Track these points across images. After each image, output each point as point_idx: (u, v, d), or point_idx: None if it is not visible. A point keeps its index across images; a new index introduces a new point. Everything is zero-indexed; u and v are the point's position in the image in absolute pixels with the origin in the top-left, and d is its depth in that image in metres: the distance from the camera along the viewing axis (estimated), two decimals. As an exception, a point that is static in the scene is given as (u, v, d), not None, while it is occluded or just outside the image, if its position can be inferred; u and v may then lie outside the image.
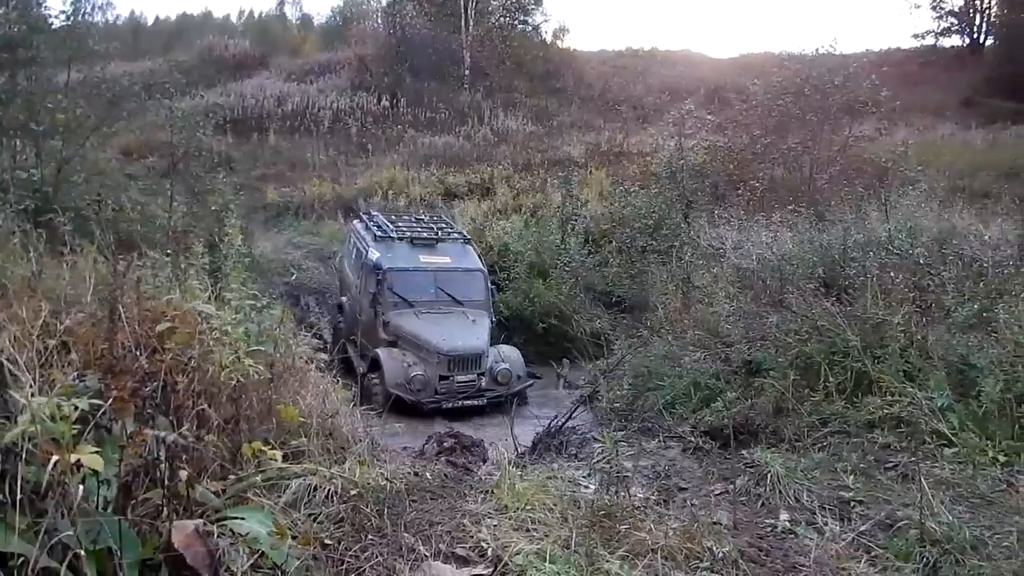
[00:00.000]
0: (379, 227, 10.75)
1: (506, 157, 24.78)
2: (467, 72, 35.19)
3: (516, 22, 40.92)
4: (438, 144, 27.37)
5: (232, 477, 3.34)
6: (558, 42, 43.44)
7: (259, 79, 35.19)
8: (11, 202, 7.41)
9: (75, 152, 10.71)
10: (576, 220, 15.25)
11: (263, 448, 3.53)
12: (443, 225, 11.79)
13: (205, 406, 3.33)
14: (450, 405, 9.04)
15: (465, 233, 11.53)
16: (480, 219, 18.58)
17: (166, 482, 2.83)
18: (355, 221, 12.13)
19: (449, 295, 10.16)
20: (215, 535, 2.85)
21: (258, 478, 3.43)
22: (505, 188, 21.07)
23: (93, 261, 4.25)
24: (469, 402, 9.22)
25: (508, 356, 9.85)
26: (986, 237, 8.41)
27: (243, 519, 2.99)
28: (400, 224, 11.42)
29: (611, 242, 14.44)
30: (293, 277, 16.69)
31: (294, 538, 3.15)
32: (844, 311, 7.35)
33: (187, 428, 3.16)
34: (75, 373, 3.03)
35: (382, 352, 9.31)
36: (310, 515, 3.48)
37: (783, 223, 11.03)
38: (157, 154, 18.60)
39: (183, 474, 2.87)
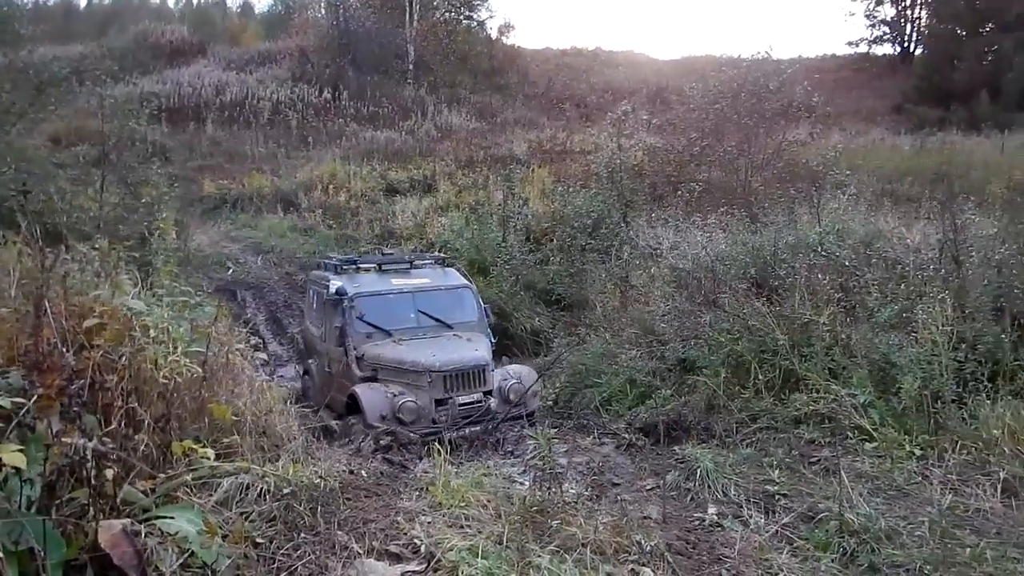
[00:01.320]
0: (339, 261, 9.18)
1: (449, 153, 24.77)
2: (411, 66, 35.07)
3: (461, 17, 41.00)
4: (380, 139, 27.24)
5: (162, 476, 3.32)
6: (503, 39, 43.75)
7: (197, 67, 34.54)
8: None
9: (-1, 139, 10.33)
10: (517, 218, 15.30)
11: (194, 447, 3.51)
12: (416, 253, 10.51)
13: (135, 404, 3.30)
14: (454, 435, 7.11)
15: (443, 256, 10.18)
16: (421, 215, 18.56)
17: (92, 481, 2.80)
18: (312, 271, 10.52)
19: (434, 318, 8.49)
20: (143, 535, 2.83)
21: (188, 477, 3.41)
22: (447, 184, 21.07)
23: (18, 253, 4.14)
24: (478, 429, 7.40)
25: (518, 372, 8.22)
26: (908, 241, 8.72)
27: (172, 518, 2.98)
28: (364, 256, 10.08)
29: (552, 240, 14.51)
30: (230, 272, 16.45)
31: (225, 537, 3.14)
32: (774, 311, 7.58)
33: (116, 427, 3.13)
34: (-2, 371, 2.98)
35: (359, 388, 7.64)
36: (242, 514, 3.46)
37: (718, 224, 11.26)
38: (87, 142, 18.13)
39: (110, 473, 2.84)
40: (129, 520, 2.80)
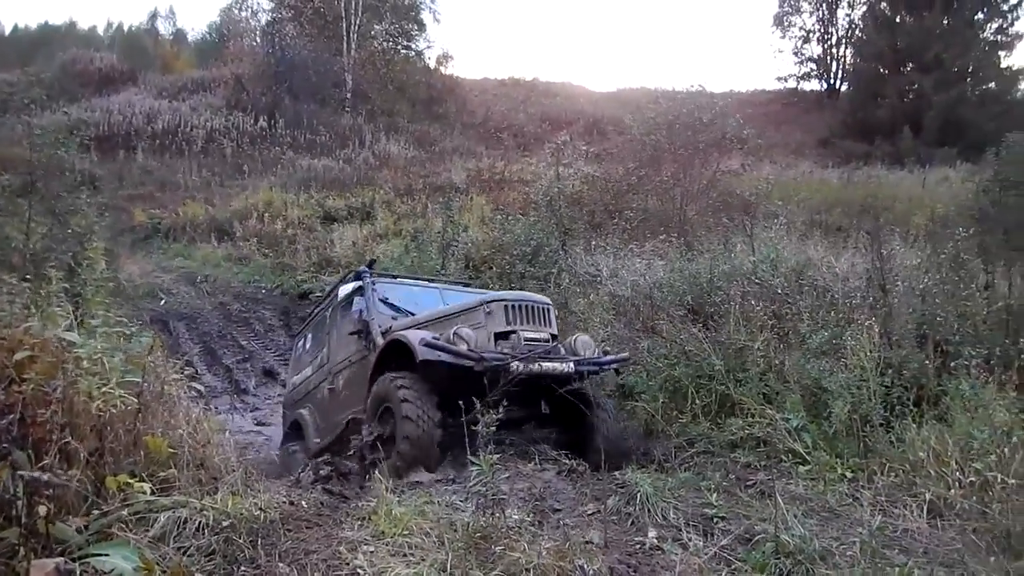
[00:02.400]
0: (352, 271, 8.34)
1: (387, 181, 24.69)
2: (348, 95, 34.96)
3: (399, 47, 41.06)
4: (318, 167, 27.02)
5: (96, 512, 3.23)
6: (441, 68, 43.91)
7: (127, 95, 33.86)
8: None
9: (-78, 167, 9.94)
10: (456, 245, 15.33)
11: (129, 481, 3.42)
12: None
13: (68, 438, 3.21)
14: (521, 366, 5.84)
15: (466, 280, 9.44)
16: (360, 243, 18.45)
17: (23, 519, 2.71)
18: (302, 327, 9.80)
19: None
20: (77, 573, 2.75)
21: (124, 512, 3.32)
22: (386, 212, 20.99)
23: (-57, 286, 4.02)
24: (552, 366, 6.07)
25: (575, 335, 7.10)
26: (837, 269, 9.02)
27: (107, 555, 2.89)
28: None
29: (491, 268, 14.56)
30: (163, 302, 16.08)
31: (163, 573, 3.07)
32: (710, 337, 7.74)
33: (48, 462, 3.05)
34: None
35: (394, 335, 6.41)
36: (180, 548, 3.39)
37: (655, 252, 11.48)
38: (13, 171, 17.63)
39: (43, 510, 2.76)
40: (62, 559, 2.72)
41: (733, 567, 4.31)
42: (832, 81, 43.14)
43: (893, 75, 34.04)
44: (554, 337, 6.54)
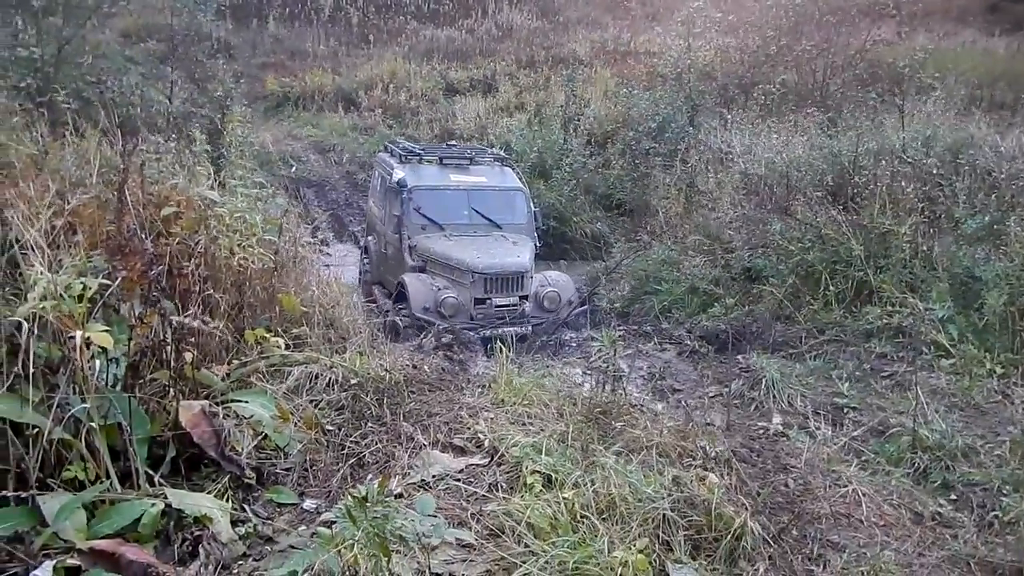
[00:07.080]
0: (404, 150, 9.64)
1: (509, 53, 24.14)
2: (473, -40, 33.92)
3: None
4: (440, 37, 26.67)
5: (236, 362, 3.37)
6: (567, -68, 41.76)
7: (258, -39, 33.93)
8: (11, 80, 7.23)
9: (75, 32, 10.35)
10: (579, 120, 14.92)
11: (265, 335, 3.56)
12: (478, 149, 10.91)
13: (211, 291, 3.33)
14: (488, 332, 7.62)
15: (503, 155, 10.40)
16: (483, 116, 18.28)
17: (172, 364, 2.85)
18: (379, 153, 10.83)
19: (485, 217, 8.91)
20: (220, 416, 2.90)
21: (261, 364, 3.46)
22: (508, 85, 20.61)
23: (97, 143, 4.16)
24: (511, 329, 7.71)
25: (556, 280, 8.59)
26: (1002, 148, 8.21)
27: (247, 402, 3.04)
28: (428, 147, 10.51)
29: (614, 144, 14.15)
30: (293, 169, 16.55)
31: (296, 422, 3.20)
32: (850, 220, 7.30)
33: (192, 311, 3.17)
34: (83, 253, 3.02)
35: (408, 277, 8.16)
36: (312, 401, 3.53)
37: (794, 128, 10.79)
38: (156, 38, 18.18)
39: (188, 356, 2.90)
40: (207, 402, 2.86)
41: (864, 458, 4.17)
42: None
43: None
44: (523, 299, 8.19)
